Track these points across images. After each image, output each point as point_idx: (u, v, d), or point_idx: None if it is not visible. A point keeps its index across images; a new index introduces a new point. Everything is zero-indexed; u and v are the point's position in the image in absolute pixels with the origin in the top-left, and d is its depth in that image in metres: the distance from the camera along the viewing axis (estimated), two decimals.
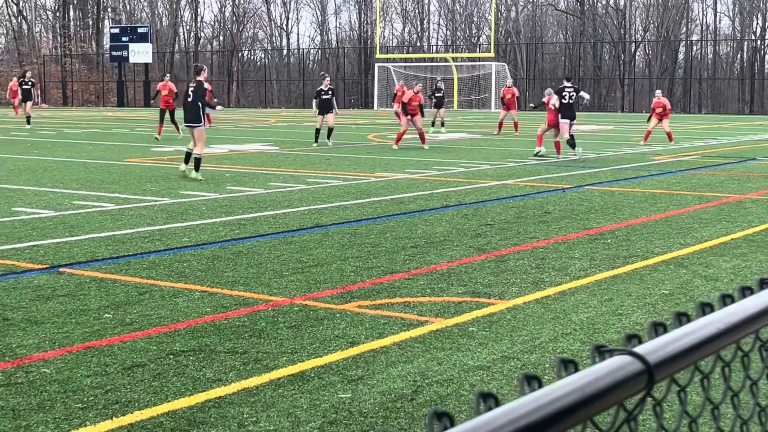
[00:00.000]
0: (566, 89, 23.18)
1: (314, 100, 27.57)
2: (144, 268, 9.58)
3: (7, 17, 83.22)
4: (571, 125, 23.04)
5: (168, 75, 31.50)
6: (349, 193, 15.97)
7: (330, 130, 27.49)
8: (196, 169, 17.77)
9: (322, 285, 8.85)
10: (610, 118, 50.80)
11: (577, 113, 24.13)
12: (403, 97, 26.80)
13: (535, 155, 23.26)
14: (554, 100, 23.18)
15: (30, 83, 36.12)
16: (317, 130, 27.63)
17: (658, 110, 27.78)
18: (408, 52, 77.76)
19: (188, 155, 18.24)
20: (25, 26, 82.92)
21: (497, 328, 7.40)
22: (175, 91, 30.15)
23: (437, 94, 35.35)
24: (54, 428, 5.27)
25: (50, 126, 38.83)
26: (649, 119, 29.15)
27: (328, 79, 27.74)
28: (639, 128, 38.97)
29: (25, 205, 14.07)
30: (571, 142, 22.84)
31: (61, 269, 9.45)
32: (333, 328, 7.34)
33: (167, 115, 29.68)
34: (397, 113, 40.82)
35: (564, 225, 12.58)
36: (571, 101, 23.07)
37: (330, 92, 27.20)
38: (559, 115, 23.14)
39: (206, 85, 17.82)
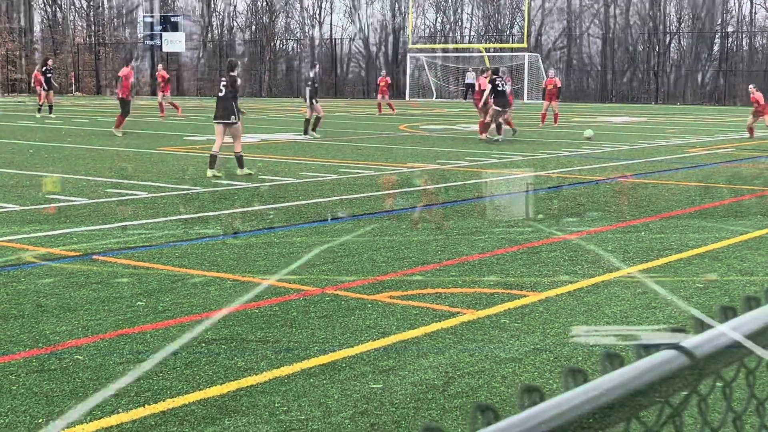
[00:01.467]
0: (497, 79, 25.24)
1: (308, 89, 26.27)
2: (176, 256, 9.62)
3: (41, 5, 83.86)
4: (498, 113, 25.02)
5: (135, 60, 29.35)
6: (380, 183, 15.95)
7: (318, 120, 26.77)
8: (240, 165, 16.62)
9: (353, 275, 8.84)
10: (643, 110, 50.39)
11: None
12: (483, 88, 26.34)
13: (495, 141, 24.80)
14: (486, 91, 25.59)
15: (51, 71, 35.65)
16: (318, 119, 26.71)
17: (756, 106, 26.92)
18: (440, 43, 77.53)
19: (239, 158, 16.71)
20: (59, 14, 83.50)
21: (529, 320, 7.36)
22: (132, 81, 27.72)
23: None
24: (86, 415, 5.29)
25: (84, 114, 39.07)
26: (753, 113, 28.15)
27: (318, 66, 27.32)
28: (673, 120, 38.63)
29: (59, 193, 14.16)
30: (485, 128, 25.15)
31: (94, 257, 9.50)
32: (364, 318, 7.33)
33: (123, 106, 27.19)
34: (390, 104, 40.79)
35: (597, 217, 12.50)
36: (504, 89, 25.12)
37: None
38: (493, 101, 25.40)
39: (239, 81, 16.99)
